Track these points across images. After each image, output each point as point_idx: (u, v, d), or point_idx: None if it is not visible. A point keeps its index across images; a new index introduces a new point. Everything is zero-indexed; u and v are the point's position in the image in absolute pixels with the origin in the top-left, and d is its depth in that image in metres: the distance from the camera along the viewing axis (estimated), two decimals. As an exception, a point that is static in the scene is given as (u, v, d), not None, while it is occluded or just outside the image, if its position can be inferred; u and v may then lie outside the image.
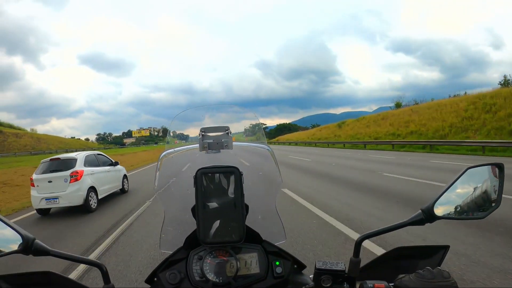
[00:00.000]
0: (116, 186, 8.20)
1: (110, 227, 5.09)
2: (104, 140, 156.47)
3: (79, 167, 6.76)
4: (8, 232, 0.63)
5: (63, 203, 6.44)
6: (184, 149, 0.95)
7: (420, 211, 0.68)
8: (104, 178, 7.54)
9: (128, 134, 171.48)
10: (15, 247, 0.63)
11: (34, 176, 6.69)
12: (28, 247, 0.63)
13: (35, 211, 6.79)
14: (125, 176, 8.83)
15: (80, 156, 7.06)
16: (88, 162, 7.17)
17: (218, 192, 0.75)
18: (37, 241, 0.65)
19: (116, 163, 8.34)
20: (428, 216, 0.67)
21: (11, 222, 0.64)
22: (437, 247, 0.75)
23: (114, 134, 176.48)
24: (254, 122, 1.09)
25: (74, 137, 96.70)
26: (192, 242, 0.80)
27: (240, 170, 0.76)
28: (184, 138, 1.11)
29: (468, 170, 0.69)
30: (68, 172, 6.59)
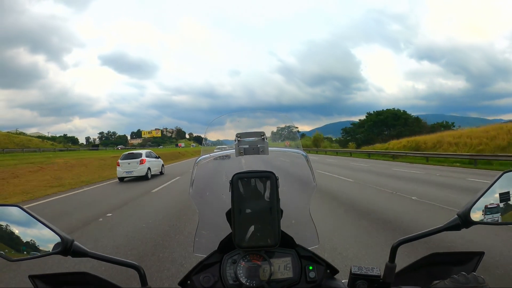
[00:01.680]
0: (158, 170, 15.70)
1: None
2: (107, 139, 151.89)
3: (143, 157, 14.11)
4: (48, 233, 0.67)
5: (135, 174, 13.74)
6: (219, 154, 0.98)
7: (456, 216, 0.69)
8: (154, 164, 14.99)
9: (138, 134, 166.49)
10: (54, 248, 0.68)
11: (119, 161, 14.02)
12: (67, 249, 0.67)
13: (116, 180, 13.99)
14: (162, 165, 16.26)
15: (143, 151, 14.56)
16: (147, 155, 14.54)
17: (254, 197, 0.76)
18: (76, 242, 0.68)
19: (159, 157, 15.80)
20: (464, 221, 0.68)
21: (51, 224, 0.68)
22: (472, 253, 0.76)
23: (118, 134, 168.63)
24: (288, 126, 1.13)
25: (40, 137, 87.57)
26: (226, 246, 0.83)
27: (276, 175, 0.78)
28: (218, 143, 1.13)
29: (505, 174, 0.69)
30: (139, 159, 13.93)
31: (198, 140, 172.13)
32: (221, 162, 0.99)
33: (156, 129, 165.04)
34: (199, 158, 0.93)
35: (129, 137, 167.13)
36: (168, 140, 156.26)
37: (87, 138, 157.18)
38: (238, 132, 0.87)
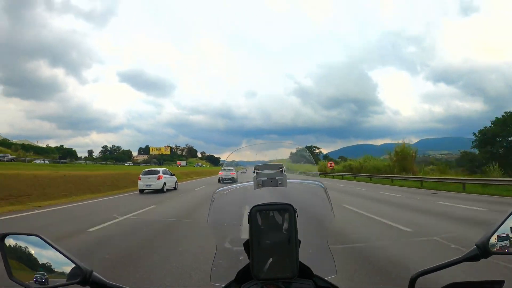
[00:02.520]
0: (172, 185, 18.65)
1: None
2: (111, 153, 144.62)
3: (160, 173, 17.09)
4: (67, 263, 0.69)
5: (153, 188, 16.70)
6: (238, 186, 1.00)
7: (475, 246, 0.69)
8: (169, 180, 17.96)
9: (146, 150, 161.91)
10: (73, 278, 0.68)
11: (140, 176, 16.99)
12: (86, 279, 0.68)
13: (137, 191, 16.96)
14: (176, 182, 19.16)
15: (161, 169, 17.59)
16: (164, 172, 17.50)
17: (272, 229, 0.77)
18: (95, 273, 0.69)
19: (173, 174, 18.74)
20: (483, 252, 0.68)
21: (69, 254, 0.69)
22: (491, 282, 0.75)
23: (123, 148, 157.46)
24: (302, 150, 1.16)
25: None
26: (244, 276, 0.83)
27: (294, 207, 0.79)
28: (236, 163, 1.18)
29: None
30: (157, 175, 16.89)
31: (211, 159, 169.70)
32: (240, 193, 1.01)
33: (166, 146, 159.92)
34: (218, 190, 0.98)
35: (136, 153, 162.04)
36: (177, 158, 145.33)
37: (90, 151, 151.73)
38: (257, 164, 0.90)
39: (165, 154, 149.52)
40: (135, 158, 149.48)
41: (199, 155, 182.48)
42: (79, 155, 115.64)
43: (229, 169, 23.07)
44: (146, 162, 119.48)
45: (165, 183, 17.28)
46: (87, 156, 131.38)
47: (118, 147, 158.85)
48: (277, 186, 0.87)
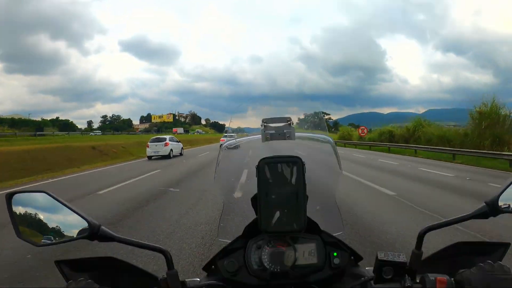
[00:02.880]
0: (178, 151, 20.17)
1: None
2: (111, 123, 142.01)
3: (167, 141, 18.46)
4: (75, 218, 0.69)
5: (160, 154, 18.17)
6: (245, 140, 0.99)
7: (484, 204, 0.69)
8: (175, 147, 19.40)
9: (148, 118, 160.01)
10: (81, 233, 0.69)
11: (148, 143, 18.28)
12: (94, 233, 0.69)
13: (146, 158, 18.45)
14: (182, 148, 20.56)
15: (167, 136, 18.97)
16: (170, 139, 18.79)
17: (280, 182, 0.78)
18: (103, 227, 0.70)
19: (179, 141, 20.07)
20: (492, 210, 0.68)
21: (78, 209, 0.70)
22: (497, 244, 0.78)
23: (123, 117, 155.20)
24: (315, 113, 1.12)
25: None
26: (251, 231, 0.84)
27: (303, 160, 0.79)
28: (241, 130, 1.13)
29: None
30: (163, 142, 18.21)
31: (216, 126, 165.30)
32: (247, 147, 1.01)
33: (168, 114, 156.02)
34: (225, 144, 0.97)
35: (138, 122, 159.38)
36: (180, 126, 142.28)
37: (89, 122, 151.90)
38: (265, 117, 0.87)
39: (168, 122, 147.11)
40: (136, 127, 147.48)
41: (203, 122, 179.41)
42: (81, 126, 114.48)
43: (231, 135, 23.49)
44: (146, 131, 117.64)
45: (171, 150, 18.73)
46: (86, 127, 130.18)
47: (118, 116, 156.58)
48: (285, 139, 0.87)
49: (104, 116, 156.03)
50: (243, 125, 1.16)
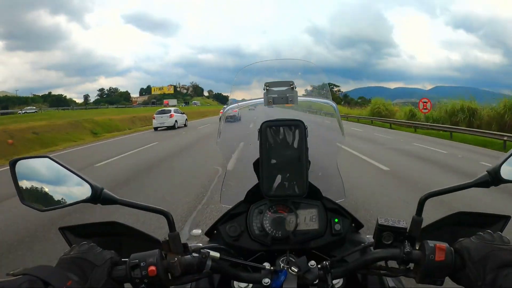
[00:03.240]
0: (183, 122, 21.53)
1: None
2: (108, 96, 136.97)
3: (172, 112, 19.74)
4: (78, 182, 0.70)
5: (166, 125, 19.63)
6: (247, 103, 0.99)
7: (486, 172, 0.69)
8: (179, 118, 20.73)
9: (148, 90, 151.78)
10: (84, 196, 0.70)
11: (154, 115, 19.57)
12: (96, 197, 0.69)
13: (152, 129, 19.80)
14: (186, 119, 21.85)
15: (172, 108, 20.30)
16: (175, 111, 20.01)
17: (282, 146, 0.78)
18: (105, 190, 0.70)
19: (183, 113, 21.32)
20: (494, 179, 0.68)
21: (80, 173, 0.70)
22: (498, 216, 0.79)
23: (120, 90, 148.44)
24: (322, 85, 1.09)
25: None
26: (253, 196, 0.86)
27: (305, 124, 0.79)
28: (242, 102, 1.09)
29: None
30: (169, 114, 19.52)
31: (219, 98, 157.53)
32: (249, 112, 1.02)
33: (169, 85, 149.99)
34: (227, 107, 0.97)
35: (137, 94, 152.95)
36: (180, 98, 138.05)
37: (86, 96, 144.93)
38: (267, 81, 0.86)
39: (169, 94, 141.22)
40: (134, 99, 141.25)
41: (205, 93, 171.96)
42: (80, 101, 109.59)
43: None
44: (145, 103, 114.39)
45: (176, 121, 20.06)
46: (83, 101, 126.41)
47: (116, 89, 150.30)
48: (287, 103, 0.86)
49: (101, 89, 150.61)
50: (247, 97, 1.11)
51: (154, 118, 19.89)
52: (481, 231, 0.65)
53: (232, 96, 1.05)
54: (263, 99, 0.88)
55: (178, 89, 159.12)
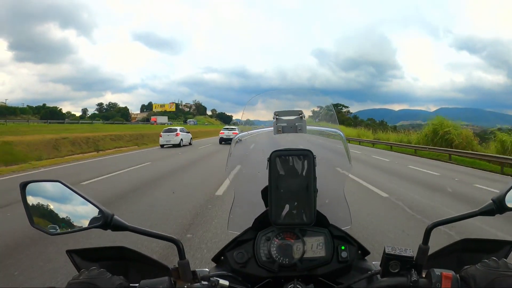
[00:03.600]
0: (188, 141, 22.99)
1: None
2: (107, 111, 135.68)
3: (178, 131, 21.40)
4: (88, 207, 0.71)
5: (171, 143, 21.28)
6: (257, 132, 1.02)
7: (491, 201, 0.71)
8: (185, 137, 22.26)
9: (149, 107, 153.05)
10: (94, 222, 0.70)
11: (161, 133, 21.20)
12: (107, 223, 0.70)
13: (159, 146, 21.46)
14: (191, 138, 23.34)
15: (178, 127, 21.98)
16: (181, 130, 21.64)
17: (291, 175, 0.80)
18: (116, 216, 0.71)
19: (189, 132, 22.91)
20: (499, 207, 0.70)
21: (91, 198, 0.71)
22: (504, 242, 0.79)
23: (119, 105, 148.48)
24: (327, 106, 1.15)
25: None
26: (261, 223, 0.86)
27: (314, 154, 0.81)
28: (251, 122, 1.15)
29: None
30: (175, 132, 21.14)
31: (222, 117, 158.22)
32: (259, 140, 1.03)
33: (171, 103, 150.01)
34: (237, 136, 1.00)
35: (138, 111, 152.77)
36: (182, 116, 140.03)
37: (84, 110, 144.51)
38: (277, 110, 0.90)
39: (170, 112, 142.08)
40: (134, 116, 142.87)
41: (209, 112, 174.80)
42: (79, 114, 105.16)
43: (231, 128, 24.18)
44: (143, 120, 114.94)
45: (181, 139, 21.60)
46: (81, 114, 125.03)
47: (115, 104, 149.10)
48: (296, 132, 0.89)
49: (100, 104, 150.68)
50: (252, 118, 1.15)
51: (161, 136, 21.44)
52: (486, 257, 0.66)
53: (241, 117, 1.09)
54: (272, 128, 0.91)
55: (181, 107, 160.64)
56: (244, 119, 1.11)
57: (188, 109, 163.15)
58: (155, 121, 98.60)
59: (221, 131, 24.65)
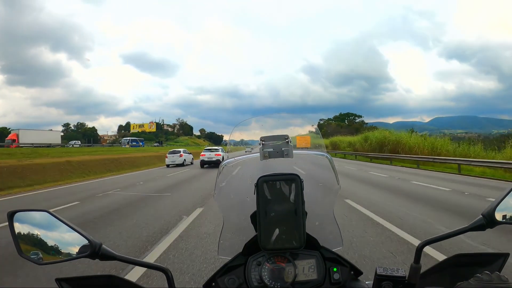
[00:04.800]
0: (190, 161, 27.49)
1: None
2: (74, 131, 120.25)
3: (181, 153, 26.00)
4: (76, 237, 0.72)
5: (176, 163, 25.87)
6: (244, 158, 1.03)
7: (480, 216, 0.72)
8: (187, 157, 26.91)
9: (127, 127, 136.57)
10: (82, 251, 0.72)
11: (167, 154, 25.51)
12: (95, 252, 0.71)
13: (165, 166, 25.72)
14: (192, 158, 27.59)
15: (181, 149, 26.44)
16: (184, 152, 26.06)
17: (279, 199, 0.82)
18: (104, 246, 0.72)
19: (190, 153, 27.21)
20: (489, 221, 0.70)
21: (79, 228, 0.72)
22: (497, 255, 0.80)
23: (88, 124, 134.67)
24: (313, 130, 1.18)
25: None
26: (251, 248, 0.88)
27: (301, 177, 0.83)
28: (245, 142, 1.19)
29: None
30: (178, 154, 25.68)
31: (212, 138, 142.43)
32: (246, 165, 1.05)
33: (150, 122, 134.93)
34: (224, 162, 1.01)
35: (115, 131, 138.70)
36: (163, 137, 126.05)
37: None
38: (263, 135, 0.92)
39: (151, 132, 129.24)
40: (106, 137, 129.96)
41: (196, 132, 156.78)
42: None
43: (214, 149, 23.15)
44: (113, 142, 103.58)
45: (185, 159, 26.13)
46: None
47: (82, 124, 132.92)
48: (283, 157, 0.90)
49: (66, 124, 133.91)
50: (246, 138, 1.19)
51: (167, 157, 25.74)
52: (480, 272, 0.67)
53: (230, 138, 1.14)
54: (258, 154, 0.93)
55: (163, 126, 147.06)
56: (237, 139, 1.19)
57: (171, 129, 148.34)
58: (74, 144, 58.94)
59: (202, 153, 22.81)
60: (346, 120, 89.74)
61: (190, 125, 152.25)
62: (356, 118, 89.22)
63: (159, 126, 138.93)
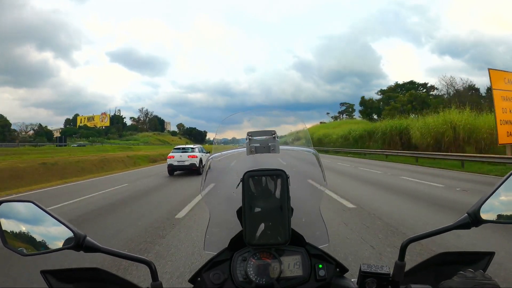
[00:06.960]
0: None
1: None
2: (38, 131, 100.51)
3: (195, 152, 16.85)
4: (61, 229, 0.74)
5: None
6: (230, 152, 1.07)
7: (466, 214, 0.74)
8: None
9: (74, 121, 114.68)
10: (67, 243, 0.74)
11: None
12: (79, 244, 0.73)
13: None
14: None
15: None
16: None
17: (265, 195, 0.85)
18: (88, 238, 0.75)
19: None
20: (474, 220, 0.73)
21: (63, 219, 0.75)
22: (482, 254, 0.83)
23: (50, 126, 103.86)
24: (300, 127, 1.21)
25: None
26: (237, 243, 0.91)
27: (287, 173, 0.86)
28: (237, 141, 1.21)
29: None
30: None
31: (192, 134, 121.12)
32: (232, 160, 1.08)
33: (102, 114, 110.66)
34: (211, 156, 1.04)
35: (62, 125, 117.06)
36: (115, 133, 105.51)
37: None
38: (250, 131, 0.95)
39: (103, 126, 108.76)
40: (56, 134, 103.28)
41: (172, 128, 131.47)
42: None
43: (188, 148, 16.98)
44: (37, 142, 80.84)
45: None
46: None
47: (41, 125, 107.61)
48: (269, 152, 0.93)
49: (23, 123, 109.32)
50: (238, 136, 1.22)
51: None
52: (465, 270, 0.69)
53: (215, 137, 1.18)
54: (245, 148, 0.95)
55: (124, 119, 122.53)
56: (229, 137, 1.26)
57: (136, 123, 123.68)
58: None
59: (170, 154, 16.32)
60: (406, 92, 56.27)
61: (161, 118, 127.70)
62: (421, 86, 60.93)
63: (116, 119, 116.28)
